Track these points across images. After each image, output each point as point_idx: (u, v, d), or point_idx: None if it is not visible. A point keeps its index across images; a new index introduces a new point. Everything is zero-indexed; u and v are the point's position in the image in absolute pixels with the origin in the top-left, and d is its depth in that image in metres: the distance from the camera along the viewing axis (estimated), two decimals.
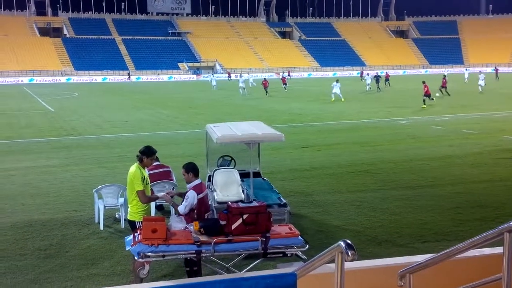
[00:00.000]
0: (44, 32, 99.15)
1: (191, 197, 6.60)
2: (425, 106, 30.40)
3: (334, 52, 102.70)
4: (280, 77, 43.52)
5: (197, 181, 6.80)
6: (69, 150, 17.65)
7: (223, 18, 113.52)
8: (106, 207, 9.27)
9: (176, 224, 6.48)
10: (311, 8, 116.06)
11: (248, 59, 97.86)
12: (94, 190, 9.53)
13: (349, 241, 2.91)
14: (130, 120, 26.47)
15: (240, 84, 43.56)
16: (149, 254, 5.80)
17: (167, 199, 7.19)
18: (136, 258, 5.94)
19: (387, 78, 53.27)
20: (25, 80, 76.92)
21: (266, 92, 41.79)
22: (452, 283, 3.97)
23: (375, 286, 4.22)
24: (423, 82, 32.21)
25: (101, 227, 9.04)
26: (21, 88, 57.13)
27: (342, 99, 35.85)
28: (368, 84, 47.48)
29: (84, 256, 7.77)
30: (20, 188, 12.17)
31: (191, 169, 6.80)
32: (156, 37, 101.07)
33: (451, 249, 3.56)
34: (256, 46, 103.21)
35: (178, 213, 6.70)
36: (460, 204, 10.33)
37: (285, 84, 48.45)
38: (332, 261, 3.00)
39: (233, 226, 6.14)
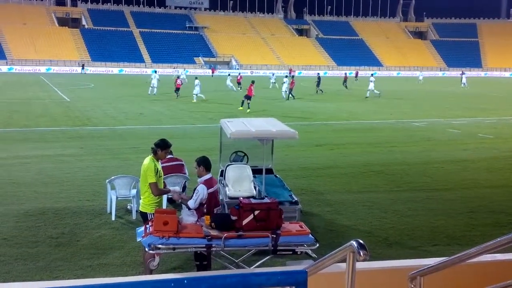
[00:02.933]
0: (63, 22, 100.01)
1: (201, 192, 6.63)
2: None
3: (350, 51, 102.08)
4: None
5: (207, 176, 6.84)
6: (84, 140, 17.79)
7: (241, 13, 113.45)
8: (119, 198, 9.34)
9: (188, 217, 6.52)
10: (329, 6, 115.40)
11: (265, 55, 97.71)
12: (107, 180, 9.60)
13: (361, 241, 2.90)
14: (145, 112, 26.60)
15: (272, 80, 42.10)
16: (160, 246, 5.84)
17: (175, 197, 7.27)
18: (146, 249, 5.98)
19: (356, 75, 51.47)
20: (43, 69, 77.59)
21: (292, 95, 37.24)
22: (462, 287, 3.93)
23: (385, 287, 4.20)
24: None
25: (113, 218, 9.11)
26: (38, 77, 57.68)
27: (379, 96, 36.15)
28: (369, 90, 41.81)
29: (95, 246, 7.84)
30: (35, 176, 12.30)
31: (203, 163, 6.84)
32: (173, 31, 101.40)
33: (463, 253, 3.52)
34: (273, 43, 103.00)
35: (188, 208, 6.73)
36: (473, 208, 10.23)
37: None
38: (343, 260, 2.99)
39: (244, 222, 6.15)
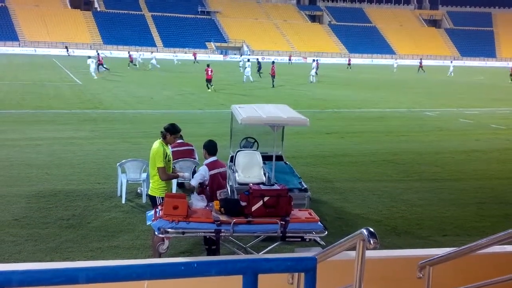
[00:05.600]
0: (76, 4, 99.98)
1: (202, 171, 6.84)
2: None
3: (363, 39, 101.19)
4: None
5: (211, 159, 7.01)
6: (95, 123, 17.88)
7: None
8: (129, 181, 9.40)
9: (197, 202, 6.54)
10: None
11: (276, 41, 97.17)
12: (117, 164, 9.65)
13: (371, 229, 2.89)
14: (156, 97, 26.64)
15: (311, 73, 41.14)
16: (169, 230, 5.87)
17: (185, 176, 7.35)
18: (156, 233, 6.02)
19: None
20: (55, 51, 77.77)
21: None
22: (472, 278, 3.92)
23: (394, 276, 4.20)
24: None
25: (123, 201, 9.17)
26: (50, 60, 57.87)
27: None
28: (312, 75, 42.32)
29: (105, 228, 7.90)
30: (46, 158, 12.40)
31: (205, 147, 7.12)
32: (185, 15, 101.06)
33: (473, 244, 3.51)
34: (285, 29, 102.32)
35: (188, 186, 7.00)
36: (483, 199, 10.16)
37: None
38: (353, 248, 2.98)
39: (254, 208, 6.16)
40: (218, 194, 6.86)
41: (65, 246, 7.18)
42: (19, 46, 79.03)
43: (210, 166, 6.89)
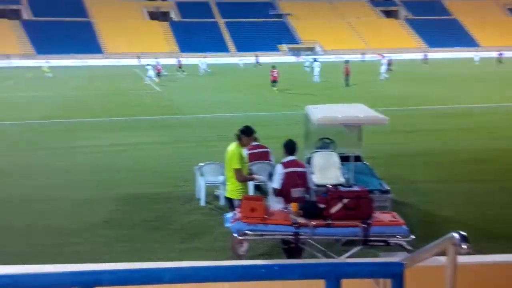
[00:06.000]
0: (154, 16, 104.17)
1: (278, 171, 6.74)
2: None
3: (443, 32, 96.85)
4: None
5: (289, 158, 6.88)
6: (174, 128, 18.43)
7: None
8: (207, 184, 9.54)
9: (275, 204, 6.50)
10: None
11: (350, 40, 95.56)
12: (196, 167, 9.84)
13: (463, 233, 2.68)
14: (231, 101, 27.03)
15: (382, 70, 40.47)
16: (248, 232, 5.86)
17: (260, 179, 7.30)
18: (234, 235, 6.04)
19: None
20: (135, 62, 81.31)
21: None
22: None
23: (491, 283, 3.89)
24: None
25: (202, 203, 9.33)
26: (131, 69, 60.58)
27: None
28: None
29: (186, 230, 8.08)
30: (130, 163, 12.93)
31: (284, 146, 6.97)
32: (256, 19, 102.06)
33: None
34: (359, 27, 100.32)
35: (274, 192, 6.79)
36: None
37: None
38: (443, 253, 2.79)
39: (333, 210, 6.01)
40: (292, 193, 6.75)
41: (151, 247, 7.42)
42: (103, 58, 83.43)
43: (286, 165, 6.79)
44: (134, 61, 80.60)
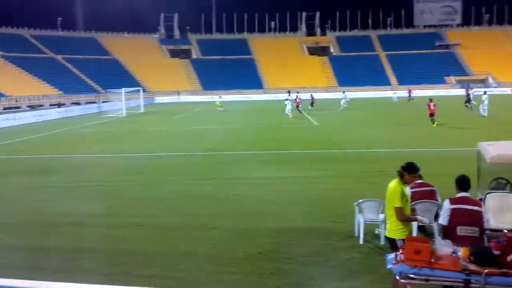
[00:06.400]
0: (313, 51, 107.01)
1: (445, 207, 6.47)
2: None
3: None
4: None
5: (460, 194, 6.55)
6: (331, 163, 18.34)
7: (498, 27, 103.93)
8: (366, 222, 9.22)
9: (442, 247, 5.99)
10: None
11: None
12: (355, 203, 9.60)
13: None
14: (391, 136, 26.19)
15: None
16: (412, 275, 5.52)
17: (423, 220, 6.84)
18: (397, 278, 5.69)
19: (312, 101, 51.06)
20: (292, 96, 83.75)
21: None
22: None
23: None
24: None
25: (361, 241, 9.01)
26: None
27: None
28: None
29: (344, 268, 7.84)
30: (287, 196, 13.10)
31: (456, 182, 6.68)
32: (421, 51, 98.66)
33: None
34: None
35: (441, 231, 6.51)
36: None
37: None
38: None
39: (509, 258, 5.42)
40: (458, 231, 6.34)
41: (306, 282, 7.33)
42: (263, 93, 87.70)
43: (453, 201, 6.46)
44: (294, 96, 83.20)
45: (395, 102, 60.81)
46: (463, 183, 6.61)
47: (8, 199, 13.58)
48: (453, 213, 6.41)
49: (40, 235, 10.13)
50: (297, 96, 47.76)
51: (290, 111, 41.88)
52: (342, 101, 52.10)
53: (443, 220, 6.46)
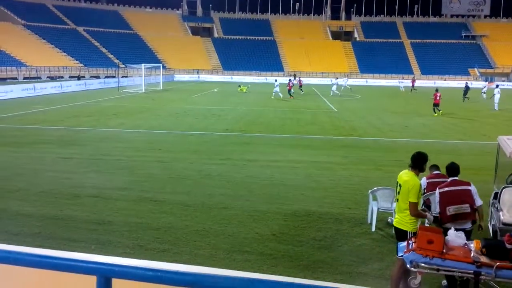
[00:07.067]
0: (336, 36, 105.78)
1: (435, 195, 6.96)
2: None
3: None
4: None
5: (449, 179, 7.03)
6: (348, 149, 18.32)
7: None
8: (380, 210, 9.26)
9: (455, 239, 6.01)
10: None
11: None
12: (369, 191, 9.63)
13: None
14: (410, 125, 26.00)
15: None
16: (423, 264, 5.57)
17: (430, 219, 6.87)
18: (408, 266, 5.75)
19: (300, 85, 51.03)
20: (315, 81, 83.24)
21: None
22: None
23: None
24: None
25: (373, 229, 9.07)
26: (309, 88, 62.10)
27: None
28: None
29: (355, 254, 7.91)
30: (302, 180, 13.17)
31: (446, 169, 7.14)
32: (447, 41, 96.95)
33: None
34: None
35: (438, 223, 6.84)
36: None
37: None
38: None
39: None
40: (447, 210, 6.65)
41: (317, 266, 7.42)
42: (283, 76, 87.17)
43: (441, 186, 6.91)
44: (314, 80, 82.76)
45: (402, 91, 59.94)
46: (451, 170, 7.01)
47: (31, 169, 13.86)
48: (441, 196, 6.79)
49: (59, 205, 10.36)
50: (290, 80, 48.55)
51: (275, 93, 43.97)
52: (334, 87, 51.19)
53: (434, 207, 6.99)
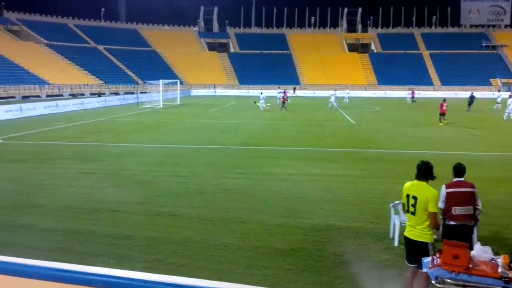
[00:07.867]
0: (353, 48, 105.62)
1: (442, 191, 6.99)
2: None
3: None
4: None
5: (455, 179, 7.13)
6: (367, 162, 18.09)
7: None
8: (402, 224, 9.04)
9: (481, 253, 5.82)
10: None
11: None
12: (391, 204, 9.45)
13: None
14: (431, 137, 25.65)
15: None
16: (448, 280, 5.40)
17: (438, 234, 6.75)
18: (433, 282, 5.58)
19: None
20: (327, 93, 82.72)
21: None
22: None
23: None
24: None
25: (395, 243, 8.86)
26: (327, 101, 61.95)
27: None
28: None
29: (377, 269, 7.72)
30: (321, 193, 12.99)
31: (453, 169, 7.26)
32: (466, 51, 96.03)
33: None
34: None
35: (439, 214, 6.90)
36: None
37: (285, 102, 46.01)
38: None
39: None
40: (453, 210, 6.81)
41: (338, 281, 7.26)
42: (300, 90, 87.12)
43: (448, 186, 7.03)
44: (331, 93, 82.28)
45: (408, 103, 59.27)
46: (458, 171, 7.18)
47: (52, 184, 13.97)
48: (448, 196, 6.96)
49: (79, 219, 10.38)
50: (284, 92, 49.28)
51: (263, 106, 45.13)
52: (332, 99, 51.09)
53: (441, 204, 6.93)
